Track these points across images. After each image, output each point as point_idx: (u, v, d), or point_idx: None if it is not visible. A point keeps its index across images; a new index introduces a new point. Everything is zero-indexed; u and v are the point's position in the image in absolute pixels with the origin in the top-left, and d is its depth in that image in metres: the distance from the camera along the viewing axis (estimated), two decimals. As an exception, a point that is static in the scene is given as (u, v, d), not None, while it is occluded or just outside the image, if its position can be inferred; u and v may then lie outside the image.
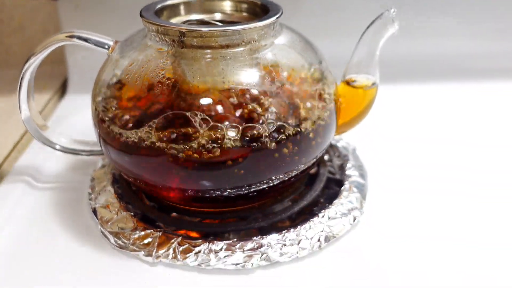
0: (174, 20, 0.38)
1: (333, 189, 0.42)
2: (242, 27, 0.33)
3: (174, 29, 0.32)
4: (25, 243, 0.36)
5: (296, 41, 0.38)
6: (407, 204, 0.41)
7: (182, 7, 0.38)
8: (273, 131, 0.33)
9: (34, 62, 0.37)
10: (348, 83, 0.40)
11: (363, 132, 0.45)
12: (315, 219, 0.37)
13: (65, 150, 0.42)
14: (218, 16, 0.39)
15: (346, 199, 0.39)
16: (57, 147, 0.41)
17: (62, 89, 0.64)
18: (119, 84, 0.35)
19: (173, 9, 0.38)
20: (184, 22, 0.37)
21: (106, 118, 0.35)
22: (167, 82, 0.32)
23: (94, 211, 0.38)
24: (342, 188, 0.41)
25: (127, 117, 0.34)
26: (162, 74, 0.33)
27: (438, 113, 0.57)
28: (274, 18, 0.34)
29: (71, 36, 0.36)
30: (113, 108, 0.35)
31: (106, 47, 0.37)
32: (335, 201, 0.39)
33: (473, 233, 0.37)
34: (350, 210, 0.38)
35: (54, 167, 0.46)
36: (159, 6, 0.36)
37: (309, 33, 0.41)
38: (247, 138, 0.32)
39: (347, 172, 0.43)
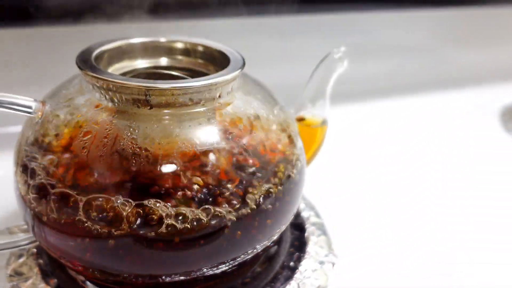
0: (111, 69, 0.31)
1: (294, 234, 0.39)
2: (213, 81, 0.27)
3: (137, 87, 0.26)
4: None
5: (253, 86, 0.34)
6: (370, 237, 0.41)
7: (121, 51, 0.32)
8: (243, 196, 0.28)
9: None
10: (300, 121, 0.38)
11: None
12: (297, 275, 0.34)
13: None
14: (164, 61, 0.33)
15: (316, 245, 0.37)
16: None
17: None
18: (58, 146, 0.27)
19: (113, 54, 0.31)
20: (124, 73, 0.31)
21: (46, 192, 0.26)
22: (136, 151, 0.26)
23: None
24: (306, 233, 0.39)
25: (76, 187, 0.26)
26: (131, 143, 0.26)
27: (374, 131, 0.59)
28: (238, 71, 0.29)
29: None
30: (56, 175, 0.26)
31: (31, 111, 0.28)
32: (308, 249, 0.37)
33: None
34: (325, 256, 0.36)
35: None
36: (97, 51, 0.29)
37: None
38: (212, 213, 0.27)
39: (303, 214, 0.41)
